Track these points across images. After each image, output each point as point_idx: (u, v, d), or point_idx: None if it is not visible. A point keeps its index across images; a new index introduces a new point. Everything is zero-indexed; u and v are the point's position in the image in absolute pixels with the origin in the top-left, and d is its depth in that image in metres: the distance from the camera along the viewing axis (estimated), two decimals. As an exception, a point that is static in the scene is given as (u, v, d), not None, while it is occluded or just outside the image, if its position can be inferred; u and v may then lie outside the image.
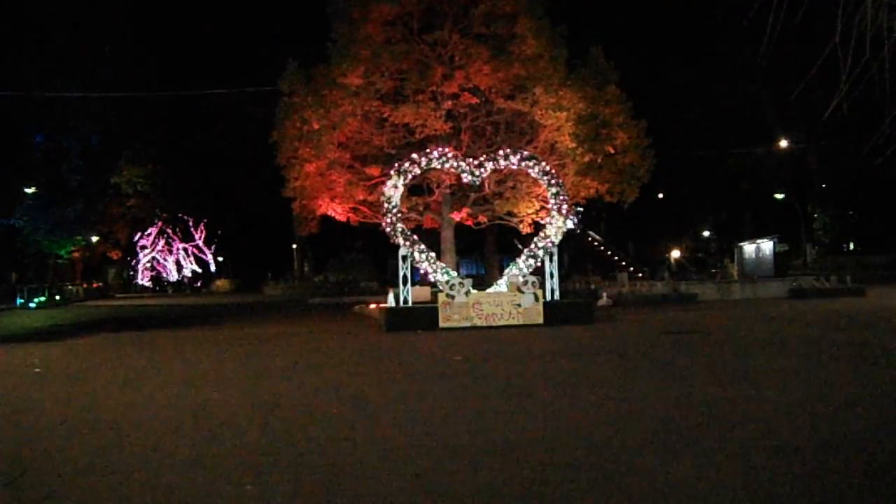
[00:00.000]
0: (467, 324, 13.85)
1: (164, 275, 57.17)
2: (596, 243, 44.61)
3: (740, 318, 14.99)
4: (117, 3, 39.70)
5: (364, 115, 19.91)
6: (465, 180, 16.11)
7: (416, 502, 3.62)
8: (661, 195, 48.24)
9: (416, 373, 8.30)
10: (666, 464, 4.12)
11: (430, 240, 18.92)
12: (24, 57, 34.46)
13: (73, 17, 36.91)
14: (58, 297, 34.25)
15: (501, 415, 5.61)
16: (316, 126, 19.45)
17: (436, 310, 13.99)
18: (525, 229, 21.24)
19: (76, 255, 45.77)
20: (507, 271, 15.70)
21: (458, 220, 21.69)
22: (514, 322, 13.97)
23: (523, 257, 15.38)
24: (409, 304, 14.74)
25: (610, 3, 48.05)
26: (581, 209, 35.39)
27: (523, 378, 7.56)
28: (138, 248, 54.78)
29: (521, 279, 14.46)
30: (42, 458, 4.65)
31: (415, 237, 15.16)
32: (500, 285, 15.20)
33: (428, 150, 15.73)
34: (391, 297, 16.16)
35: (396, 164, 15.52)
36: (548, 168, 15.76)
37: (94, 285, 45.05)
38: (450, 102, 20.14)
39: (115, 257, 52.07)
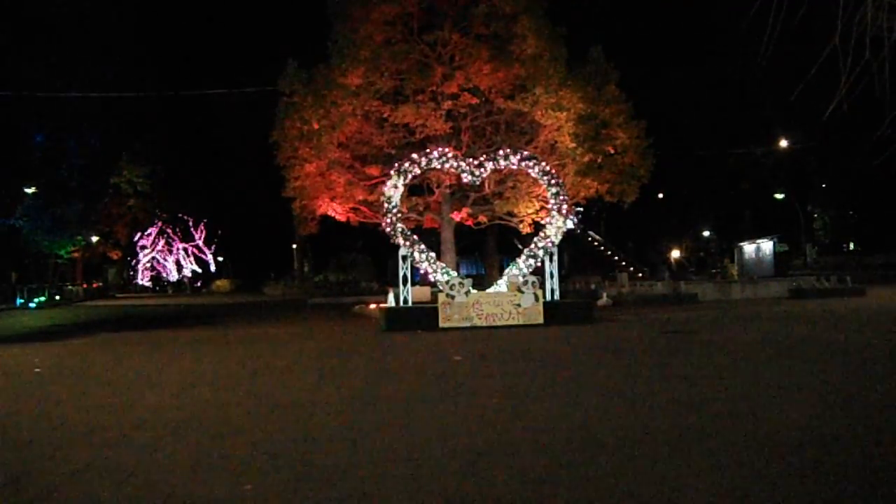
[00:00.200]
0: (467, 324, 13.85)
1: (164, 275, 57.21)
2: (596, 243, 44.64)
3: (740, 319, 14.99)
4: (117, 3, 39.69)
5: (364, 115, 19.91)
6: (465, 180, 16.11)
7: (417, 502, 3.62)
8: (661, 195, 48.27)
9: (416, 373, 8.29)
10: (666, 464, 4.12)
11: (430, 240, 18.92)
12: (24, 57, 34.44)
13: (73, 18, 36.90)
14: (58, 297, 34.28)
15: (501, 414, 5.61)
16: (316, 126, 19.45)
17: (436, 310, 13.99)
18: (525, 229, 21.25)
19: (76, 255, 45.76)
20: (507, 271, 15.70)
21: (458, 220, 21.69)
22: (514, 322, 13.97)
23: (523, 257, 15.38)
24: (409, 304, 14.74)
25: (610, 3, 48.06)
26: (581, 209, 35.45)
27: (523, 378, 7.56)
28: (138, 248, 54.84)
29: (521, 279, 14.46)
30: (42, 458, 4.65)
31: (415, 237, 15.16)
32: (500, 285, 15.20)
33: (428, 150, 15.73)
34: (391, 297, 16.17)
35: (396, 164, 15.52)
36: (548, 168, 15.76)
37: (94, 285, 45.12)
38: (450, 102, 20.14)
39: (115, 257, 52.10)
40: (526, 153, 16.24)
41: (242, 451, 4.69)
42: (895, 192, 42.88)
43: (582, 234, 43.77)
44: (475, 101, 20.10)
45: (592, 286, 26.15)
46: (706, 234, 55.58)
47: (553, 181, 15.48)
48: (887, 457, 4.20)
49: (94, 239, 46.07)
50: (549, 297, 14.77)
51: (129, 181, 47.51)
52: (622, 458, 4.26)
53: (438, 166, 15.87)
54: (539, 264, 15.34)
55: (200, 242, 57.36)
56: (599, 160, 20.04)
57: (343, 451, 4.64)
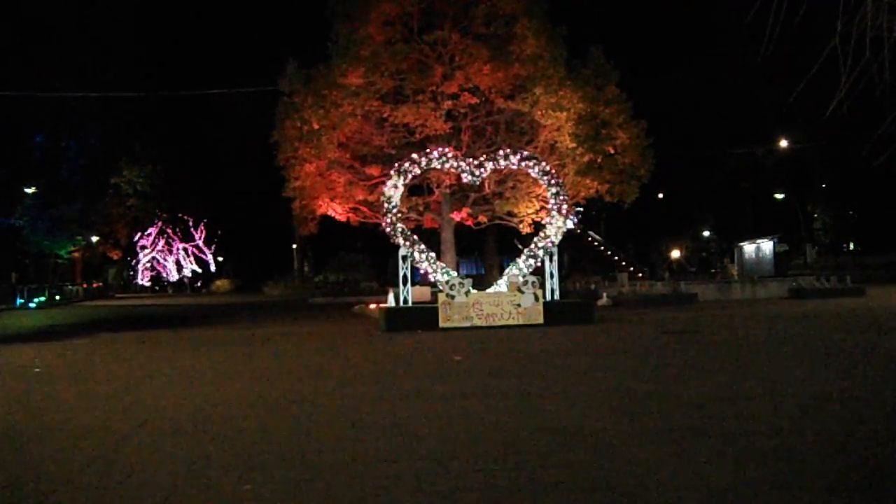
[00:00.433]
0: (467, 324, 13.85)
1: (164, 275, 57.22)
2: (596, 243, 44.66)
3: (740, 319, 14.99)
4: (117, 3, 39.72)
5: (364, 115, 19.91)
6: (465, 180, 16.11)
7: (417, 502, 3.62)
8: (661, 195, 48.29)
9: (415, 373, 8.29)
10: (667, 464, 4.12)
11: (430, 240, 18.92)
12: (24, 57, 34.47)
13: (73, 18, 36.93)
14: (58, 297, 34.28)
15: (501, 414, 5.60)
16: (316, 126, 19.46)
17: (436, 310, 13.99)
18: (525, 229, 21.26)
19: (76, 255, 45.79)
20: (507, 271, 15.70)
21: (458, 220, 21.70)
22: (514, 322, 13.97)
23: (523, 257, 15.38)
24: (409, 304, 14.74)
25: (610, 3, 48.10)
26: (581, 209, 35.43)
27: (523, 378, 7.56)
28: (138, 248, 54.84)
29: (521, 279, 14.46)
30: (42, 458, 4.65)
31: (415, 237, 15.16)
32: (500, 285, 15.20)
33: (428, 150, 15.73)
34: (391, 297, 16.16)
35: (396, 164, 15.52)
36: (548, 168, 15.76)
37: (94, 285, 45.11)
38: (450, 102, 20.15)
39: (115, 257, 52.12)
40: (526, 153, 16.24)
41: (242, 450, 4.69)
42: (895, 192, 42.91)
43: (582, 234, 43.78)
44: (475, 101, 20.11)
45: (592, 286, 26.16)
46: (706, 234, 55.60)
47: (553, 181, 15.48)
48: (888, 458, 4.20)
49: (94, 239, 46.09)
50: (549, 297, 14.77)
51: (129, 181, 47.52)
52: (622, 458, 4.26)
53: (438, 166, 15.87)
54: (539, 264, 15.34)
55: (200, 242, 57.35)
56: (599, 160, 20.04)
57: (343, 450, 4.64)
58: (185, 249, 57.22)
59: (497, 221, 22.57)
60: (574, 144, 19.44)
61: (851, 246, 53.07)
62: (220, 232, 57.25)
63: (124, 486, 3.97)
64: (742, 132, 43.54)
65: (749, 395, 6.21)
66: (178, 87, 42.31)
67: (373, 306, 19.08)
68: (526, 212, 20.72)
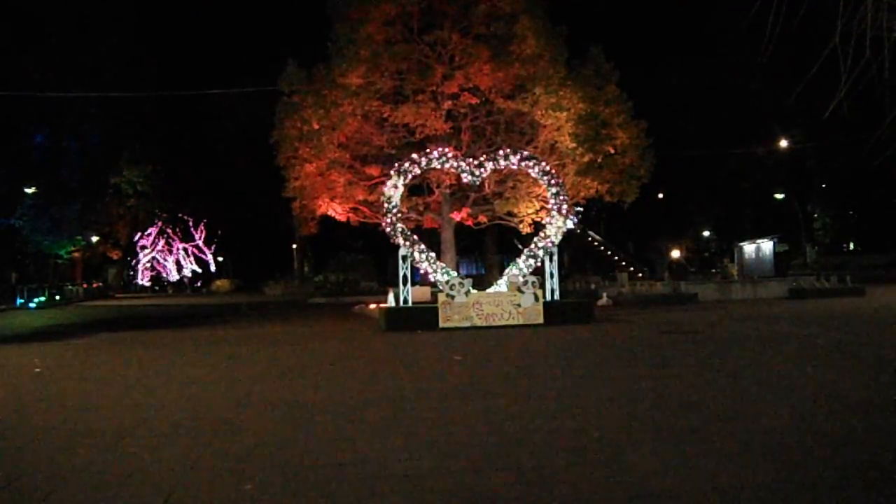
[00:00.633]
0: (467, 324, 13.85)
1: (164, 275, 57.21)
2: (596, 243, 44.65)
3: (740, 319, 14.99)
4: (117, 2, 39.70)
5: (364, 115, 19.91)
6: (465, 180, 16.11)
7: (417, 502, 3.62)
8: (661, 195, 48.28)
9: (415, 373, 8.29)
10: (667, 464, 4.12)
11: (430, 240, 18.93)
12: (24, 57, 34.46)
13: (73, 17, 36.91)
14: (58, 297, 34.27)
15: (501, 414, 5.60)
16: (316, 126, 19.46)
17: (436, 310, 13.99)
18: (525, 229, 21.25)
19: (76, 255, 45.77)
20: (507, 271, 15.70)
21: (458, 220, 21.70)
22: (514, 322, 13.97)
23: (523, 257, 15.38)
24: (409, 304, 14.74)
25: (610, 3, 48.13)
26: (581, 209, 35.43)
27: (523, 378, 7.56)
28: (138, 248, 54.82)
29: (521, 279, 14.46)
30: (42, 458, 4.65)
31: (415, 237, 15.16)
32: (500, 285, 15.20)
33: (428, 150, 15.73)
34: (391, 297, 16.17)
35: (396, 164, 15.52)
36: (548, 168, 15.76)
37: (94, 285, 45.10)
38: (450, 102, 20.15)
39: (115, 257, 52.10)
40: (526, 153, 16.24)
41: (242, 451, 4.69)
42: (895, 192, 42.90)
43: (582, 234, 43.77)
44: (475, 101, 20.11)
45: (592, 286, 26.17)
46: (706, 234, 55.59)
47: (553, 181, 15.48)
48: (888, 457, 4.20)
49: (94, 239, 46.07)
50: (549, 297, 14.78)
51: (129, 181, 47.49)
52: (624, 458, 4.26)
53: (438, 166, 15.87)
54: (539, 264, 15.34)
55: (200, 242, 57.34)
56: (599, 160, 20.04)
57: (343, 450, 4.64)
58: (185, 249, 57.22)
59: (497, 221, 22.57)
60: (574, 144, 19.44)
61: (851, 246, 53.06)
62: (220, 232, 57.22)
63: (124, 486, 3.97)
64: (742, 132, 43.54)
65: (749, 394, 6.21)
66: (178, 87, 42.25)
67: (373, 306, 19.08)
68: (526, 212, 20.72)
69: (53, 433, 5.39)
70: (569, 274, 35.37)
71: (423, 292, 17.02)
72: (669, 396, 6.17)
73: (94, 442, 5.06)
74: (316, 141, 19.51)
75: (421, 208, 21.66)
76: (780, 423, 5.08)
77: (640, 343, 10.85)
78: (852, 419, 5.15)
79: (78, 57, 36.83)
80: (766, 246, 29.53)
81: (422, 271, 15.65)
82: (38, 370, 9.31)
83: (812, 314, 15.54)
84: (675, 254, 47.36)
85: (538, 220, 20.24)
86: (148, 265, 56.17)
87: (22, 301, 31.09)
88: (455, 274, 15.28)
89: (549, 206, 15.71)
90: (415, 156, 15.40)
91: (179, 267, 57.36)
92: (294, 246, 49.35)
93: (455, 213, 21.48)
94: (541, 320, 14.06)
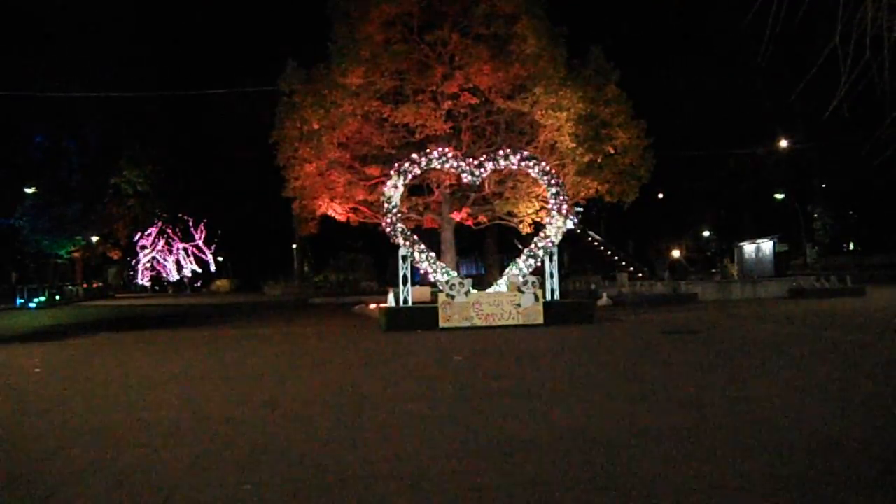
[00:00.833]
0: (467, 324, 13.85)
1: (164, 275, 57.19)
2: (596, 243, 44.62)
3: (740, 319, 14.99)
4: (117, 3, 39.72)
5: (364, 115, 19.90)
6: (465, 180, 16.10)
7: (416, 502, 3.62)
8: (661, 195, 48.28)
9: (415, 373, 8.29)
10: (667, 464, 4.12)
11: (430, 240, 18.92)
12: (24, 57, 34.47)
13: (73, 17, 36.94)
14: (58, 297, 34.26)
15: (501, 414, 5.60)
16: (316, 126, 19.45)
17: (436, 310, 13.99)
18: (525, 229, 21.24)
19: (76, 255, 45.77)
20: (507, 271, 15.70)
21: (458, 220, 21.69)
22: (514, 322, 13.97)
23: (523, 257, 15.38)
24: (409, 304, 14.74)
25: (610, 3, 48.14)
26: (581, 209, 35.42)
27: (523, 378, 7.56)
28: (138, 248, 54.80)
29: (521, 279, 14.46)
30: (42, 458, 4.65)
31: (415, 237, 15.16)
32: (500, 285, 15.20)
33: (428, 150, 15.73)
34: (391, 297, 16.16)
35: (396, 164, 15.52)
36: (548, 168, 15.76)
37: (94, 285, 45.09)
38: (450, 102, 20.14)
39: (115, 257, 52.08)
40: (526, 153, 16.23)
41: (242, 451, 4.69)
42: (895, 193, 42.89)
43: (582, 234, 43.75)
44: (475, 101, 20.10)
45: (592, 286, 26.14)
46: (706, 234, 55.59)
47: (553, 181, 15.48)
48: (887, 456, 4.20)
49: (94, 239, 46.06)
50: (549, 297, 14.77)
51: (129, 181, 47.48)
52: (624, 458, 4.26)
53: (438, 166, 15.87)
54: (539, 264, 15.34)
55: (200, 242, 57.33)
56: (599, 160, 20.04)
57: (343, 451, 4.64)
58: (185, 249, 57.20)
59: (497, 221, 22.56)
60: (574, 144, 19.44)
61: (851, 246, 53.07)
62: (220, 232, 57.21)
63: (124, 486, 3.97)
64: (742, 132, 43.57)
65: (750, 394, 6.21)
66: (178, 87, 42.28)
67: (373, 306, 19.08)
68: (526, 212, 20.71)
69: (53, 433, 5.39)
70: (569, 274, 35.34)
71: (423, 292, 16.99)
72: (670, 397, 6.17)
73: (94, 442, 5.06)
74: (316, 141, 19.50)
75: (421, 208, 21.65)
76: (782, 422, 5.08)
77: (640, 343, 10.85)
78: (853, 418, 5.15)
79: (78, 57, 36.84)
80: (766, 246, 29.52)
81: (422, 271, 15.65)
82: (38, 370, 9.31)
83: (812, 314, 15.54)
84: (676, 254, 47.36)
85: (538, 220, 20.23)
86: (148, 265, 56.15)
87: (22, 301, 31.09)
88: (455, 274, 15.28)
89: (549, 206, 15.71)
90: (415, 156, 15.40)
91: (179, 267, 57.34)
92: (294, 246, 49.32)
93: (455, 213, 21.47)
94: (541, 320, 14.06)
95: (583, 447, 4.55)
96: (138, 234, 53.29)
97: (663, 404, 5.83)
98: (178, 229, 56.52)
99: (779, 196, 47.37)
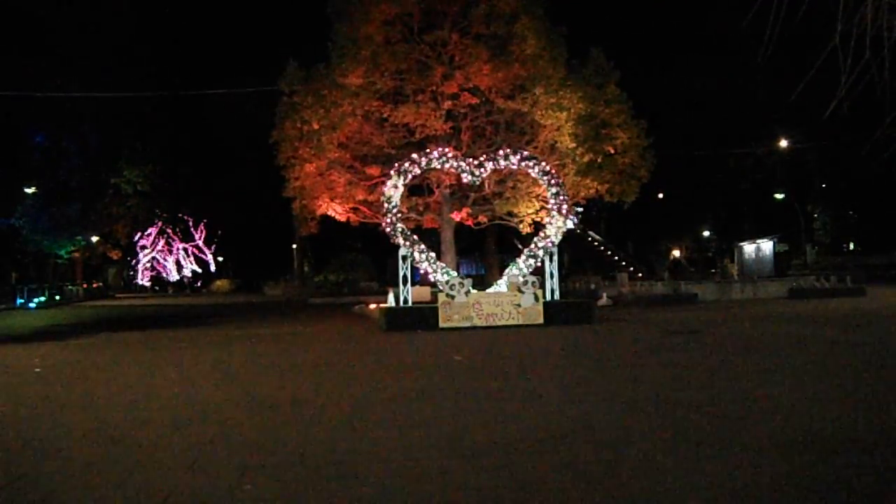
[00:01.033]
0: (467, 324, 13.85)
1: (164, 275, 57.18)
2: (596, 243, 44.62)
3: (740, 319, 14.99)
4: (117, 2, 39.71)
5: (364, 115, 19.90)
6: (465, 180, 16.11)
7: (417, 502, 3.62)
8: (661, 195, 48.26)
9: (415, 373, 8.29)
10: (667, 464, 4.12)
11: (430, 240, 18.92)
12: (24, 56, 34.46)
13: (73, 17, 36.92)
14: (58, 297, 34.26)
15: (502, 414, 5.61)
16: (316, 126, 19.45)
17: (436, 310, 13.99)
18: (525, 229, 21.24)
19: (76, 255, 45.74)
20: (507, 271, 15.70)
21: (458, 220, 21.69)
22: (514, 322, 13.97)
23: (523, 257, 15.38)
24: (409, 304, 14.74)
25: (610, 3, 48.15)
26: (581, 209, 35.41)
27: (523, 378, 7.56)
28: (138, 248, 54.79)
29: (521, 279, 14.46)
30: (42, 458, 4.65)
31: (415, 237, 15.16)
32: (500, 285, 15.20)
33: (428, 150, 15.73)
34: (391, 297, 16.16)
35: (396, 164, 15.52)
36: (548, 168, 15.76)
37: (94, 285, 45.09)
38: (450, 102, 20.14)
39: (115, 257, 52.04)
40: (526, 153, 16.24)
41: (243, 450, 4.69)
42: (895, 192, 42.89)
43: (582, 234, 43.75)
44: (475, 101, 20.10)
45: (592, 286, 26.15)
46: (706, 234, 55.58)
47: (553, 181, 15.48)
48: (890, 459, 4.20)
49: (94, 239, 46.03)
50: (549, 297, 14.77)
51: (129, 181, 47.41)
52: (625, 459, 4.26)
53: (438, 166, 15.87)
54: (539, 264, 15.34)
55: (200, 242, 57.33)
56: (599, 160, 20.03)
57: (343, 450, 4.64)
58: (185, 249, 57.20)
59: (497, 221, 22.56)
60: (574, 144, 19.44)
61: (851, 246, 53.05)
62: (220, 232, 57.21)
63: (124, 486, 3.97)
64: (742, 132, 43.56)
65: (750, 394, 6.21)
66: (178, 87, 42.25)
67: (373, 306, 19.07)
68: (526, 212, 20.70)
69: (53, 433, 5.40)
70: (569, 274, 35.35)
71: (423, 292, 17.00)
72: (670, 397, 6.17)
73: (94, 442, 5.06)
74: (316, 141, 19.50)
75: (421, 208, 21.65)
76: (782, 422, 5.07)
77: (640, 343, 10.85)
78: (854, 418, 5.15)
79: (78, 57, 36.82)
80: (766, 246, 29.53)
81: (422, 271, 15.66)
82: (38, 370, 9.31)
83: (812, 314, 15.54)
84: (676, 253, 47.36)
85: (538, 220, 20.23)
86: (148, 265, 56.15)
87: (22, 301, 31.08)
88: (455, 274, 15.28)
89: (549, 206, 15.71)
90: (415, 156, 15.40)
91: (179, 267, 57.34)
92: (294, 246, 49.29)
93: (455, 213, 21.47)
94: (541, 320, 14.06)
95: (584, 446, 4.55)
96: (138, 234, 53.26)
97: (664, 404, 5.83)
98: (178, 229, 56.51)
99: (779, 196, 47.37)
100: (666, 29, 49.28)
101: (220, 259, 59.83)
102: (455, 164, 15.51)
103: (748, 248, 31.40)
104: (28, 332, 16.76)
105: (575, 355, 9.57)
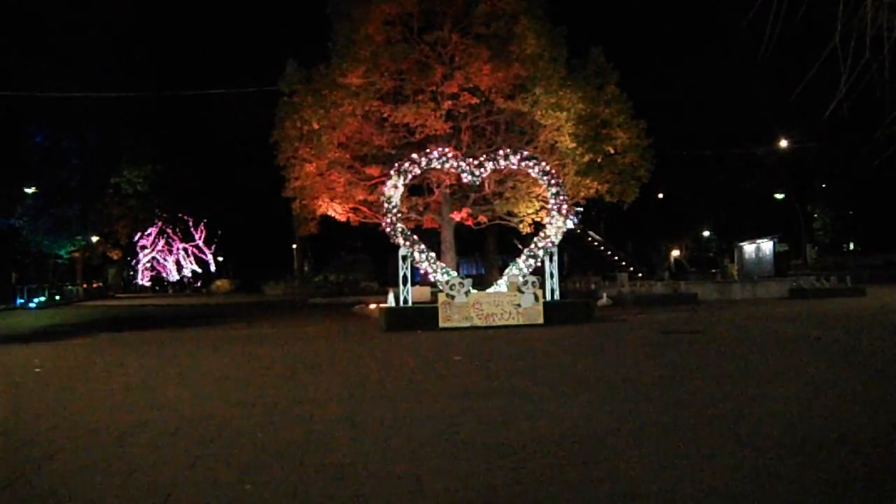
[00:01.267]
0: (467, 324, 13.85)
1: (164, 275, 57.22)
2: (596, 243, 44.61)
3: (740, 319, 14.99)
4: (117, 3, 39.72)
5: (364, 115, 19.91)
6: (465, 180, 16.11)
7: (416, 502, 3.62)
8: (661, 195, 48.27)
9: (415, 373, 8.29)
10: (668, 464, 4.12)
11: (430, 240, 18.92)
12: (24, 56, 34.46)
13: (73, 18, 36.94)
14: (58, 297, 34.28)
15: (502, 414, 5.60)
16: (316, 126, 19.45)
17: (436, 310, 13.99)
18: (525, 229, 21.24)
19: (76, 255, 45.74)
20: (507, 271, 15.70)
21: (458, 220, 21.69)
22: (514, 322, 13.97)
23: (523, 257, 15.38)
24: (409, 304, 14.74)
25: (610, 3, 48.15)
26: (581, 209, 35.41)
27: (523, 378, 7.56)
28: (138, 248, 54.82)
29: (521, 279, 14.46)
30: (42, 458, 4.65)
31: (415, 237, 15.16)
32: (500, 285, 15.20)
33: (428, 150, 15.73)
34: (391, 297, 16.16)
35: (396, 164, 15.53)
36: (548, 168, 15.76)
37: (94, 285, 45.12)
38: (450, 102, 20.14)
39: (115, 257, 52.05)
40: (526, 153, 16.24)
41: (242, 450, 4.69)
42: (895, 192, 42.89)
43: (582, 234, 43.74)
44: (475, 101, 20.11)
45: (592, 286, 26.15)
46: (706, 234, 55.60)
47: (553, 181, 15.48)
48: (887, 455, 4.20)
49: (94, 239, 46.04)
50: (549, 297, 14.77)
51: (129, 181, 47.42)
52: (625, 459, 4.26)
53: (438, 166, 15.87)
54: (539, 264, 15.34)
55: (200, 242, 57.36)
56: (599, 160, 20.03)
57: (344, 450, 4.64)
58: (185, 249, 57.23)
59: (497, 221, 22.56)
60: (574, 144, 19.44)
61: (851, 246, 53.06)
62: (220, 232, 57.24)
63: (124, 486, 3.97)
64: (742, 132, 43.58)
65: (750, 395, 6.20)
66: (178, 87, 42.38)
67: (373, 306, 19.08)
68: (526, 212, 20.71)
69: (53, 433, 5.39)
70: (569, 274, 35.36)
71: (423, 292, 17.01)
72: (670, 397, 6.17)
73: (94, 442, 5.06)
74: (316, 141, 19.51)
75: (421, 208, 21.65)
76: (783, 422, 5.07)
77: (640, 343, 10.85)
78: (854, 418, 5.15)
79: (78, 57, 36.83)
80: (766, 246, 29.53)
81: (422, 271, 15.65)
82: (38, 370, 9.31)
83: (812, 314, 15.54)
84: (676, 253, 47.37)
85: (538, 220, 20.23)
86: (148, 265, 56.18)
87: (22, 301, 31.10)
88: (455, 274, 15.28)
89: (549, 206, 15.71)
90: (415, 156, 15.40)
91: (179, 267, 57.37)
92: (294, 246, 49.32)
93: (455, 213, 21.47)
94: (541, 320, 14.06)
95: (584, 446, 4.55)
96: (138, 234, 53.28)
97: (664, 404, 5.83)
98: (178, 229, 56.54)
99: (779, 196, 47.38)
100: (666, 29, 49.32)
101: (220, 259, 59.86)
102: (455, 164, 15.51)
103: (748, 248, 31.40)
104: (28, 332, 16.76)
105: (575, 356, 9.57)
